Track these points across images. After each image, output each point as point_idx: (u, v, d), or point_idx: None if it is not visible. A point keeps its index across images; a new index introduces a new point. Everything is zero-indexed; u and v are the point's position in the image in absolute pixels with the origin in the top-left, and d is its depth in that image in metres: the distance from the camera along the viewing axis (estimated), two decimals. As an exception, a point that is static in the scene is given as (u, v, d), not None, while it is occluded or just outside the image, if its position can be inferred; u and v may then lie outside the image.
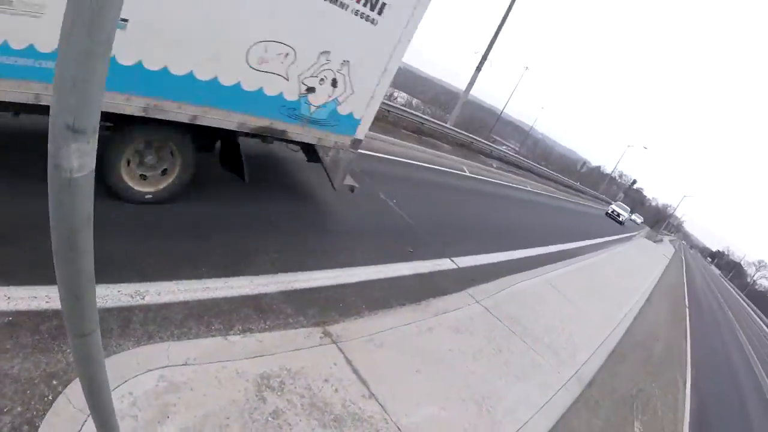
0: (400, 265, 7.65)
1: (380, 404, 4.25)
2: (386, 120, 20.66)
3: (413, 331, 5.80)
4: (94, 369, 1.64)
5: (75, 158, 1.14)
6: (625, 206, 56.51)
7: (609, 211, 50.77)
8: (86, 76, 1.07)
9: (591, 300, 11.69)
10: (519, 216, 20.07)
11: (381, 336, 5.33)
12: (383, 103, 21.49)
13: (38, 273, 3.64)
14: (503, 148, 48.16)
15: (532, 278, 10.49)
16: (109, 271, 4.15)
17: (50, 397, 2.89)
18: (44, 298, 3.54)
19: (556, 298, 10.11)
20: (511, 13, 26.03)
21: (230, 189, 6.85)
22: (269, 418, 3.49)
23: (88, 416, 2.72)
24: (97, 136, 1.17)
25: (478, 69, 27.29)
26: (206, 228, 5.81)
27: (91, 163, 1.19)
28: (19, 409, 2.75)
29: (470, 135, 30.89)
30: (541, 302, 9.31)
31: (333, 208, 8.51)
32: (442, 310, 6.74)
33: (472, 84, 28.30)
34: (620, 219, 48.22)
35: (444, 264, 8.75)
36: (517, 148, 77.21)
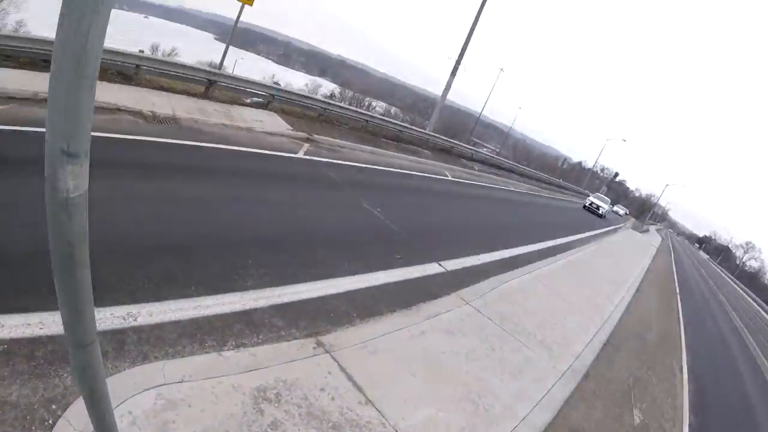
0: (389, 273, 7.70)
1: (377, 409, 4.31)
2: (365, 130, 20.80)
3: (405, 336, 5.87)
4: (94, 380, 1.71)
5: (70, 180, 1.23)
6: (605, 197, 50.25)
7: (587, 204, 44.11)
8: (76, 106, 1.16)
9: (581, 293, 11.82)
10: (503, 216, 20.23)
11: (374, 343, 5.39)
12: (361, 113, 21.64)
13: (30, 300, 3.67)
14: (484, 150, 48.35)
15: (520, 276, 10.59)
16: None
17: (50, 422, 2.93)
18: (38, 324, 3.57)
19: (546, 294, 10.22)
20: (482, 17, 26.32)
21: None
22: (268, 430, 3.54)
23: (90, 437, 2.76)
24: (89, 159, 1.26)
25: (453, 74, 27.52)
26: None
27: (85, 184, 1.28)
28: (20, 435, 2.79)
29: (450, 140, 31.18)
30: (531, 299, 9.41)
31: (309, 218, 8.57)
32: (433, 313, 6.81)
33: (448, 89, 28.53)
34: (600, 212, 42.07)
35: (432, 268, 8.82)
36: (497, 150, 77.77)
